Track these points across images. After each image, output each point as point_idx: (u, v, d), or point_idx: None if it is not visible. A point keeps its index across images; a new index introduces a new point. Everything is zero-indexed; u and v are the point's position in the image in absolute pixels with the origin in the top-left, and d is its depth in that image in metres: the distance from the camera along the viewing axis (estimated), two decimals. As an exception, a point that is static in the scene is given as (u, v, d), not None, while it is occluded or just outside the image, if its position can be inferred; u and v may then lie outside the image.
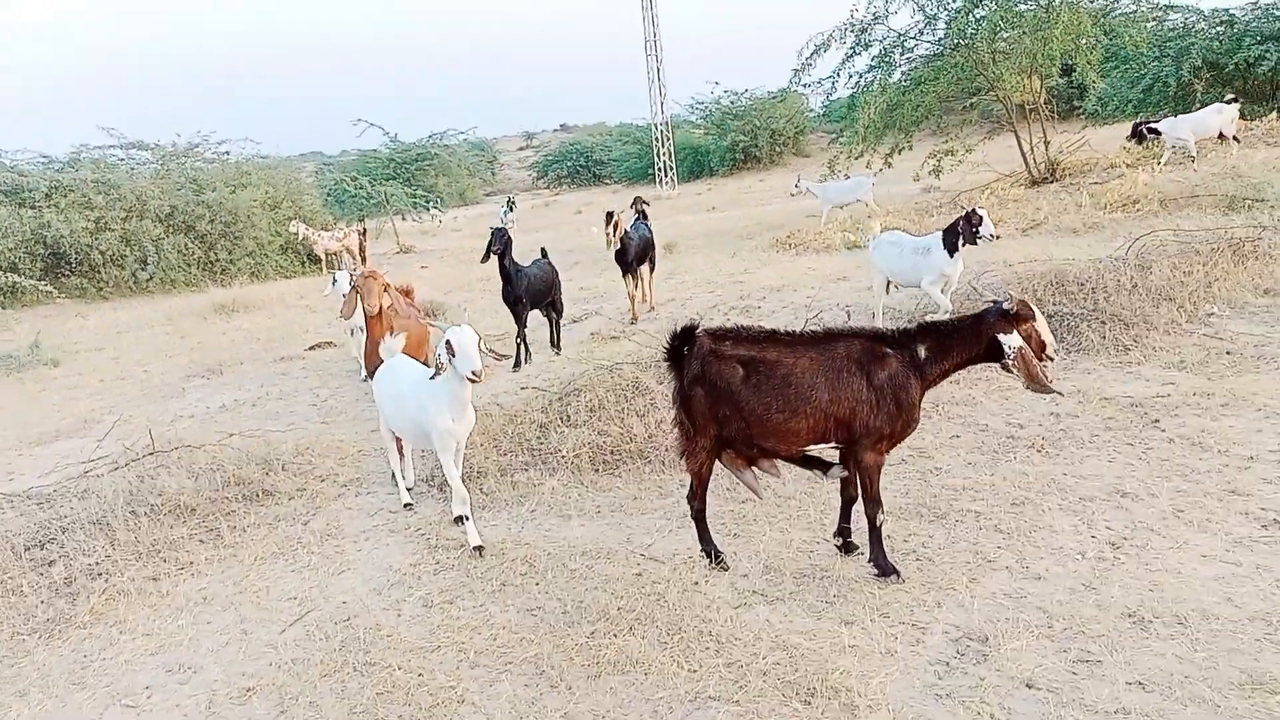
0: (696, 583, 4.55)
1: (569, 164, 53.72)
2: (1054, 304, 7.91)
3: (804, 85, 18.59)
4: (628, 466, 6.13)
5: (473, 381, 5.00)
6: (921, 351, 4.25)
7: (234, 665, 4.32)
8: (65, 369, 12.59)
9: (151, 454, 7.37)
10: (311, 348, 11.84)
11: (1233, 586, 3.94)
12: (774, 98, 41.38)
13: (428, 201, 31.52)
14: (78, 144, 23.14)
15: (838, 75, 18.45)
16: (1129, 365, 6.93)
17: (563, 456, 6.25)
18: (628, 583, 4.59)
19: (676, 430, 4.72)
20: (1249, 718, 3.12)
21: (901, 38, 17.83)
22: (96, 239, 19.81)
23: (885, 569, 4.33)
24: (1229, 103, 15.55)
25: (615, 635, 4.09)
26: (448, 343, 4.99)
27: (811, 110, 40.62)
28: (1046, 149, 16.84)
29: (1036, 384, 4.15)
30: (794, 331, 4.43)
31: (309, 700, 3.91)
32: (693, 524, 4.76)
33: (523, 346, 9.60)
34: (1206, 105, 16.63)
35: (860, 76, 18.35)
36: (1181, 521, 4.54)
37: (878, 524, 4.32)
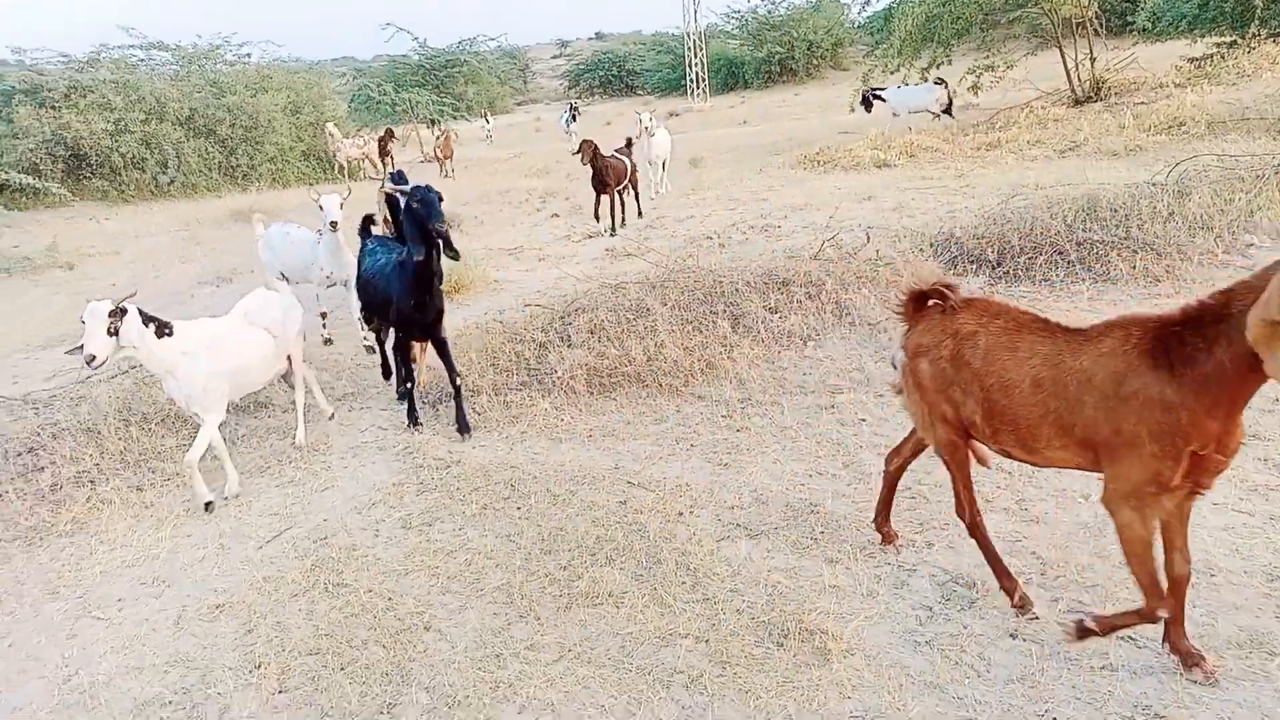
0: (681, 513, 4.40)
1: (601, 74, 52.56)
2: (1084, 230, 7.52)
3: (839, -6, 17.84)
4: (623, 390, 5.95)
5: None
6: None
7: (207, 581, 4.27)
8: (79, 272, 12.58)
9: (150, 362, 7.31)
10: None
11: (1242, 538, 3.72)
12: (811, 7, 39.90)
13: (455, 110, 30.96)
14: (97, 43, 22.75)
15: (876, -17, 17.66)
16: (1159, 297, 6.57)
17: (558, 377, 6.08)
18: (610, 511, 4.46)
19: None
20: (1244, 680, 2.94)
21: (945, -57, 16.89)
22: (117, 141, 19.62)
23: None
24: (938, 83, 16.98)
25: (591, 566, 3.98)
26: None
27: (850, 21, 39.16)
28: (1092, 66, 16.02)
29: None
30: None
31: (276, 620, 3.85)
32: None
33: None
34: (1261, 20, 15.75)
35: (899, -16, 17.52)
36: (1195, 466, 4.30)
37: None
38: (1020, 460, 3.29)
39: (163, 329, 4.80)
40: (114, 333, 4.60)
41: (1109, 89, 15.84)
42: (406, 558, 4.25)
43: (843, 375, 5.83)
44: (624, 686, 3.23)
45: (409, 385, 5.99)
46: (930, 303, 3.47)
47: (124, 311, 4.65)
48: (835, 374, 5.86)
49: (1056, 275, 7.02)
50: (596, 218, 11.90)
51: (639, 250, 9.96)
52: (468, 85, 37.57)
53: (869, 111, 18.00)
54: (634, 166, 12.08)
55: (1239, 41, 16.42)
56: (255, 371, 5.33)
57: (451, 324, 8.11)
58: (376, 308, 6.25)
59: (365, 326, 7.35)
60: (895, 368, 3.56)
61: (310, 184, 21.79)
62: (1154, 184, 8.55)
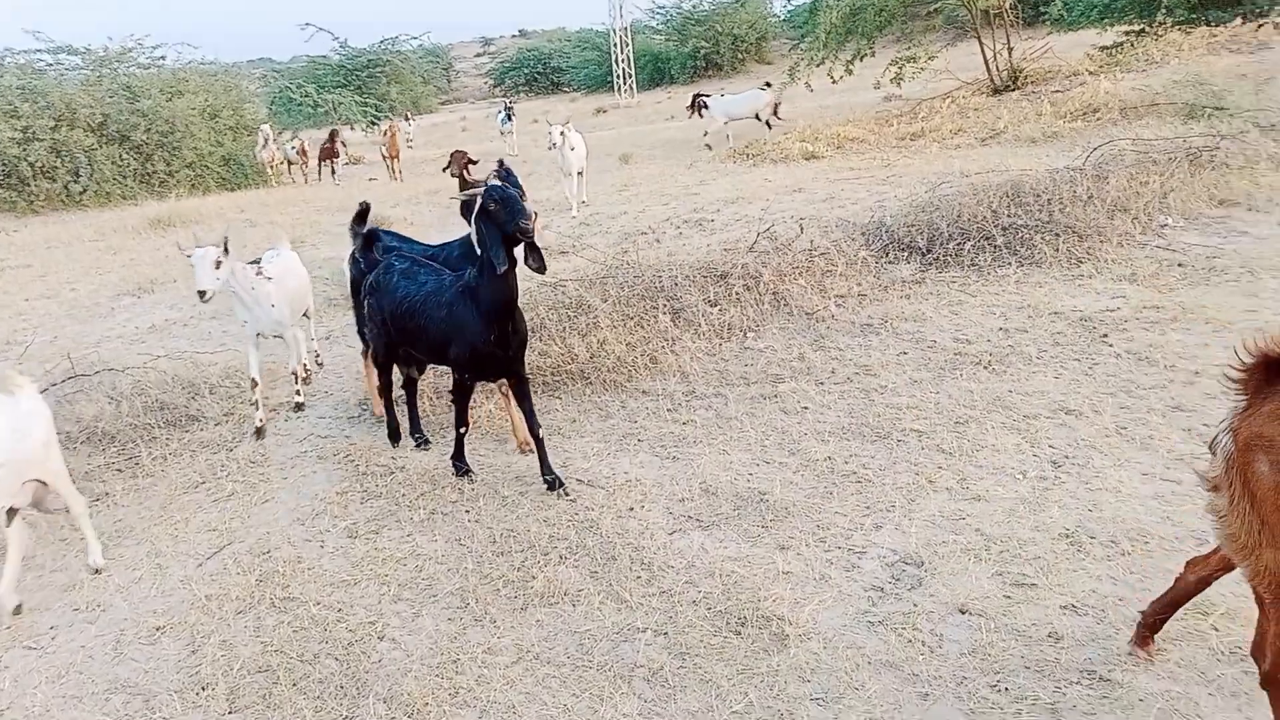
0: (631, 509, 4.40)
1: (526, 71, 52.19)
2: (1009, 216, 7.72)
3: (764, -11, 18.05)
4: (567, 388, 5.93)
5: None
6: None
7: (145, 603, 4.13)
8: (-10, 288, 12.03)
9: (72, 378, 7.05)
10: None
11: (1172, 505, 3.86)
12: (736, 2, 40.21)
13: (378, 110, 30.53)
14: (0, 48, 21.85)
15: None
16: (1081, 278, 6.79)
17: (500, 377, 6.02)
18: (561, 510, 4.44)
19: None
20: (1182, 641, 3.05)
21: (866, -63, 17.17)
22: (25, 150, 18.84)
23: None
24: (764, 89, 17.47)
25: (545, 565, 3.95)
26: None
27: (774, 15, 39.62)
28: (1009, 56, 16.45)
29: None
30: None
31: (221, 639, 3.74)
32: None
33: None
34: (1167, 9, 16.39)
35: (822, -21, 17.75)
36: (1124, 439, 4.45)
37: None
38: None
39: None
40: None
41: (1026, 78, 16.28)
42: (355, 567, 4.17)
43: (784, 365, 5.90)
44: (585, 684, 3.22)
45: (463, 430, 4.90)
46: None
47: None
48: (776, 364, 5.93)
49: (984, 260, 7.19)
50: None
51: (575, 248, 9.93)
52: (390, 85, 37.02)
53: (700, 116, 18.15)
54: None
55: (1147, 30, 17.02)
56: None
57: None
58: (428, 350, 4.91)
59: (299, 381, 6.36)
60: (1214, 455, 2.46)
61: (229, 189, 21.35)
62: (1073, 169, 8.82)
